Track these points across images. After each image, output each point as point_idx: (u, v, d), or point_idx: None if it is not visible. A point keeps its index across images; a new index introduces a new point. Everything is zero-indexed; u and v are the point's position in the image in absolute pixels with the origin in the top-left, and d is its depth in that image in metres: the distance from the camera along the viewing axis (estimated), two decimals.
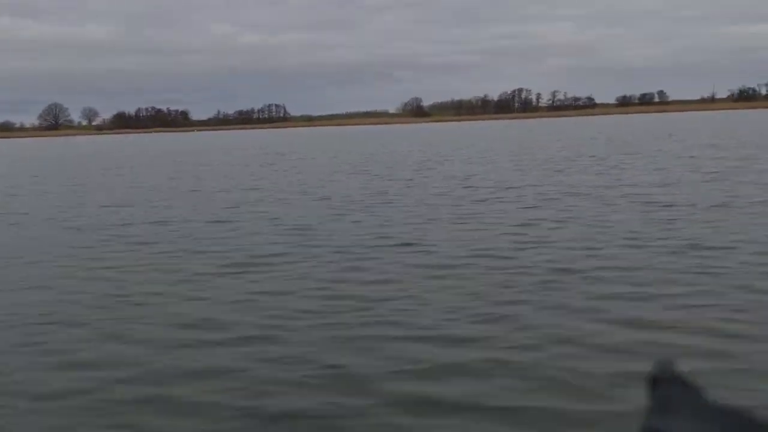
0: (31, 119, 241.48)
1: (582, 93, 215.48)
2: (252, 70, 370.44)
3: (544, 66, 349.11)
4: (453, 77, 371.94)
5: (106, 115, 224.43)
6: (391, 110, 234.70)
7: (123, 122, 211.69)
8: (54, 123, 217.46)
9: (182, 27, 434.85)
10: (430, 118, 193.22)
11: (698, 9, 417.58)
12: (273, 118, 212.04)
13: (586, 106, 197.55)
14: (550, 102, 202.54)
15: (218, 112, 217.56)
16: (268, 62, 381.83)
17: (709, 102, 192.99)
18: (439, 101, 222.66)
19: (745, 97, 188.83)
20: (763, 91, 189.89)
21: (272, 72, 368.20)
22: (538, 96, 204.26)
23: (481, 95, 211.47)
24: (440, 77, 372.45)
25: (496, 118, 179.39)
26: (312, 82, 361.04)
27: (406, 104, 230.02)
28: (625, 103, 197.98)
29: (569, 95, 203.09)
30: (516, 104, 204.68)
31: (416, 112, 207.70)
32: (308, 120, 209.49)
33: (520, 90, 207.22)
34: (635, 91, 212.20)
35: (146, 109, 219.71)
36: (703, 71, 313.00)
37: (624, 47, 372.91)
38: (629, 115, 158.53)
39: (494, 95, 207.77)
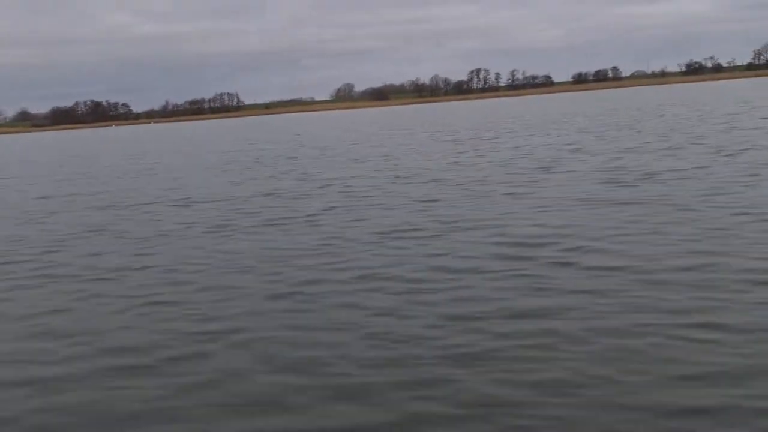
0: None
1: (539, 72, 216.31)
2: (148, 60, 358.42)
3: (452, 49, 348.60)
4: (363, 62, 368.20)
5: (8, 112, 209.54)
6: (317, 98, 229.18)
7: (61, 117, 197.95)
8: None
9: (73, 16, 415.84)
10: (390, 102, 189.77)
11: None
12: (227, 107, 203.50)
13: (544, 85, 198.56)
14: (510, 81, 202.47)
15: (166, 102, 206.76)
16: (166, 52, 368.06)
17: (660, 77, 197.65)
18: (372, 86, 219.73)
19: (694, 70, 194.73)
20: (709, 65, 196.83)
21: (171, 62, 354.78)
22: (497, 75, 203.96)
23: (413, 78, 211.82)
24: (350, 63, 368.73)
25: (459, 99, 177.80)
26: (218, 72, 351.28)
27: (339, 90, 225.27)
28: (581, 81, 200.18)
29: (528, 74, 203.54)
30: (475, 85, 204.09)
31: (376, 96, 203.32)
32: (265, 107, 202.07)
33: (479, 70, 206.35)
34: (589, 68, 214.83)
35: (84, 102, 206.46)
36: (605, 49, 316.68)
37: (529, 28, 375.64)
38: (586, 92, 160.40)
39: (425, 79, 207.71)
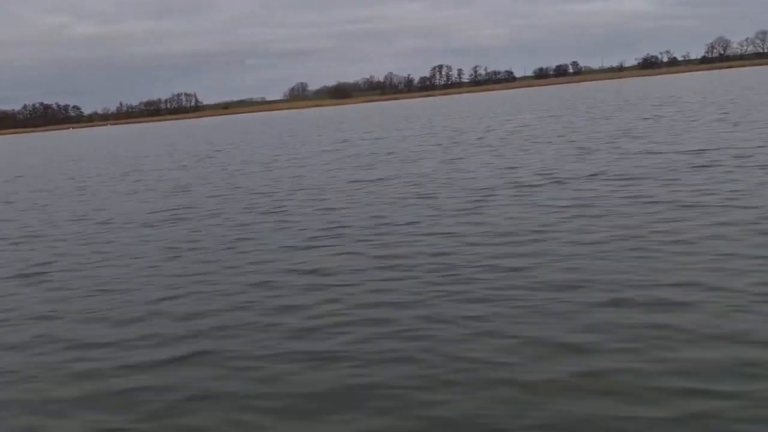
0: None
1: (500, 67, 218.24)
2: (90, 62, 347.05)
3: (399, 47, 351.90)
4: (310, 62, 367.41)
5: None
6: (267, 98, 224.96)
7: (7, 121, 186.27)
8: None
9: (4, 18, 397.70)
10: (352, 100, 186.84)
11: None
12: (184, 108, 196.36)
13: (507, 80, 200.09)
14: (473, 77, 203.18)
15: (120, 104, 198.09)
16: (106, 54, 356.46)
17: (618, 71, 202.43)
18: (324, 85, 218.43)
19: (650, 65, 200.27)
20: (665, 59, 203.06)
21: (112, 63, 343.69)
22: (460, 72, 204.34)
23: (366, 77, 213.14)
24: (297, 62, 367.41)
25: (423, 96, 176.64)
26: (160, 74, 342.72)
27: (292, 89, 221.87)
28: (542, 76, 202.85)
29: (489, 70, 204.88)
30: (438, 81, 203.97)
31: (338, 93, 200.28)
32: (224, 108, 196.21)
33: (441, 66, 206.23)
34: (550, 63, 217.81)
35: (32, 105, 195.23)
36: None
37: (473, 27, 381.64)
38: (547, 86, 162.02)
39: (379, 77, 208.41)
